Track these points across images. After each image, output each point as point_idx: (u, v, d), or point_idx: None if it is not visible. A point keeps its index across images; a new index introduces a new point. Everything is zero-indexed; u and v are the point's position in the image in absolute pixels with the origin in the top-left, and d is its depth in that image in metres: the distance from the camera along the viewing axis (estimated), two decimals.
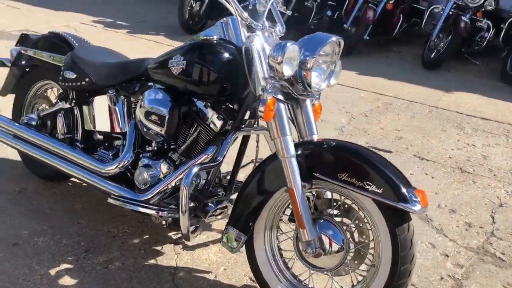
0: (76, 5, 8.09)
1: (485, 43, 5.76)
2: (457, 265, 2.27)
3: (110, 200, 2.00)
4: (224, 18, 1.95)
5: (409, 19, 6.58)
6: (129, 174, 2.14)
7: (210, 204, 2.04)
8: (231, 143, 1.90)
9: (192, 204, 1.94)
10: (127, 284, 1.99)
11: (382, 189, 1.62)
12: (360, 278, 1.82)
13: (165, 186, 1.95)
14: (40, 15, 7.30)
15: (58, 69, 2.32)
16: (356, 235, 1.80)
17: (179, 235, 2.24)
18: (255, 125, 1.99)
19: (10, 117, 2.68)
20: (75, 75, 2.22)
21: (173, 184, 1.97)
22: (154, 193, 1.96)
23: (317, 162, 1.76)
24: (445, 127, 4.00)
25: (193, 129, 1.99)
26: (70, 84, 2.25)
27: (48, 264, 2.08)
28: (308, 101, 1.90)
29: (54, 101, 2.57)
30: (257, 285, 1.96)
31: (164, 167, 2.01)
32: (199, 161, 1.88)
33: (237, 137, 1.92)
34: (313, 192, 1.86)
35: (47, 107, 2.56)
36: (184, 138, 2.03)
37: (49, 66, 2.46)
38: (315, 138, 1.88)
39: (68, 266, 2.08)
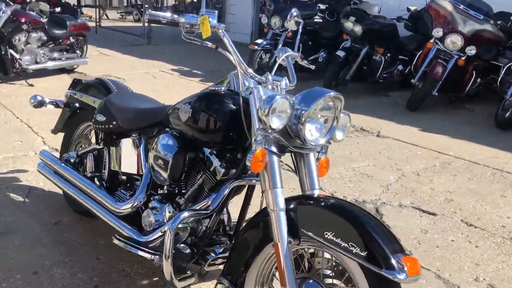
0: (160, 55, 8.73)
1: None
2: None
3: (114, 241, 2.07)
4: (235, 71, 2.01)
5: (485, 76, 6.27)
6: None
7: (211, 252, 2.04)
8: (228, 193, 1.90)
9: (188, 251, 1.96)
10: None
11: (366, 253, 1.53)
12: None
13: (165, 230, 1.99)
14: (126, 62, 7.95)
15: None
16: None
17: (189, 282, 2.24)
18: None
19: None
20: (105, 118, 2.39)
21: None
22: (156, 236, 2.00)
23: (306, 218, 1.71)
24: (506, 192, 3.68)
25: (199, 175, 2.03)
26: (100, 126, 2.42)
27: None
28: (311, 155, 1.87)
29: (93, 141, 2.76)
30: None
31: (168, 211, 2.06)
32: (197, 208, 1.90)
33: (234, 186, 1.92)
34: (306, 249, 1.79)
35: (86, 146, 2.76)
36: (191, 183, 2.07)
37: (92, 109, 2.67)
38: (317, 193, 1.83)
39: None
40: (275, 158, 1.74)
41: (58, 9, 8.02)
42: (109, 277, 2.33)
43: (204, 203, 1.93)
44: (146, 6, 11.11)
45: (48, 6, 7.21)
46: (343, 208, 1.69)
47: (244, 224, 1.90)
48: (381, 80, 6.79)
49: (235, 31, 10.93)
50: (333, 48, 6.98)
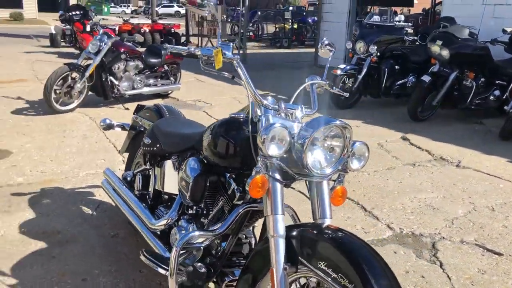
0: (256, 82, 9.03)
1: None
2: None
3: (141, 257, 2.21)
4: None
5: None
6: None
7: (229, 273, 2.11)
8: (239, 216, 1.95)
9: (204, 270, 2.04)
10: None
11: (353, 285, 1.50)
12: None
13: None
14: (217, 88, 8.37)
15: None
16: None
17: None
18: None
19: None
20: (150, 141, 2.59)
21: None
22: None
23: (305, 247, 1.70)
24: None
25: (220, 198, 2.12)
26: (146, 148, 2.63)
27: None
28: (325, 183, 1.86)
29: None
30: None
31: (191, 228, 2.17)
32: (207, 229, 1.99)
33: (248, 210, 1.97)
34: (310, 279, 1.78)
35: (140, 166, 3.00)
36: (213, 206, 2.17)
37: None
38: (327, 222, 1.83)
39: None
40: (278, 185, 1.77)
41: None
42: None
43: (218, 225, 2.01)
44: (243, 35, 11.62)
45: (143, 38, 7.85)
46: (341, 240, 1.66)
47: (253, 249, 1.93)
48: (473, 107, 6.36)
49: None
50: (423, 73, 6.72)
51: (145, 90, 6.79)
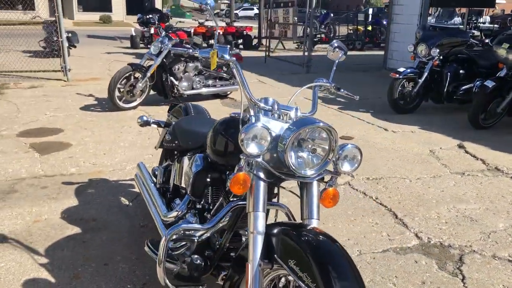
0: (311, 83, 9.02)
1: None
2: None
3: (145, 248, 2.34)
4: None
5: None
6: None
7: (226, 268, 2.17)
8: (228, 212, 2.01)
9: (199, 262, 2.12)
10: None
11: (315, 285, 1.51)
12: None
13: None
14: (276, 90, 8.45)
15: None
16: None
17: None
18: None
19: None
20: (170, 138, 2.73)
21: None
22: (176, 246, 2.22)
23: (281, 245, 1.73)
24: None
25: (220, 195, 2.20)
26: (166, 144, 2.77)
27: (113, 285, 2.56)
28: (314, 184, 1.88)
29: None
30: None
31: (194, 221, 2.26)
32: (196, 223, 2.07)
33: (239, 207, 2.02)
34: (288, 277, 1.80)
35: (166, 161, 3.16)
36: (214, 202, 2.25)
37: None
38: (314, 222, 1.85)
39: None
40: (261, 183, 1.81)
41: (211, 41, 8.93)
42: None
43: (218, 219, 2.08)
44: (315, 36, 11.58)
45: (202, 39, 8.11)
46: (313, 242, 1.68)
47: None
48: None
49: (397, 59, 10.68)
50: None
51: (204, 90, 7.03)
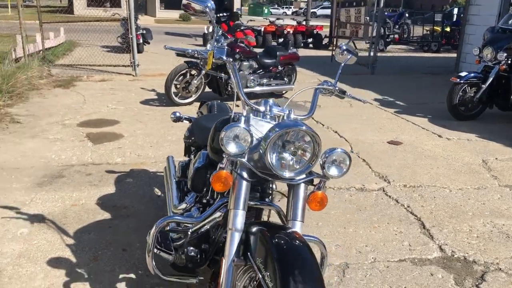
0: (372, 85, 8.88)
1: None
2: None
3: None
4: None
5: None
6: None
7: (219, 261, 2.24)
8: (216, 209, 2.05)
9: (194, 254, 2.21)
10: None
11: (272, 284, 1.54)
12: None
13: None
14: None
15: None
16: None
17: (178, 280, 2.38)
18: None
19: None
20: (188, 134, 2.85)
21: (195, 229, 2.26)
22: (175, 237, 2.32)
23: (255, 243, 1.77)
24: None
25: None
26: (185, 140, 2.89)
27: (125, 270, 2.72)
28: (301, 187, 1.90)
29: None
30: None
31: (195, 215, 2.35)
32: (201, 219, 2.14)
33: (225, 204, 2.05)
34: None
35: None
36: (214, 197, 2.32)
37: None
38: (297, 225, 1.87)
39: (132, 276, 2.66)
40: (244, 182, 1.86)
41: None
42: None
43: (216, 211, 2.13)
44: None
45: (255, 39, 8.18)
46: (285, 245, 1.69)
47: None
48: None
49: (470, 62, 10.10)
50: None
51: (258, 89, 7.13)
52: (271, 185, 2.10)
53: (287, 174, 1.81)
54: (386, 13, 16.54)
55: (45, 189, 3.76)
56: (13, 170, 4.13)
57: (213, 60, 2.06)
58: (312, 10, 29.86)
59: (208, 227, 2.22)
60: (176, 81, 6.56)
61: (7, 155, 4.51)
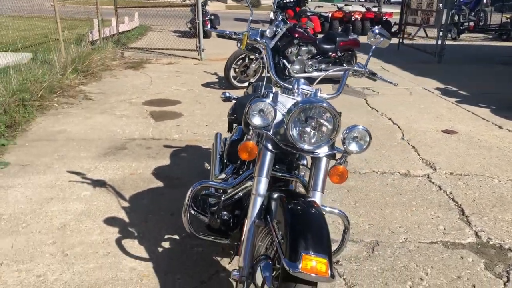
0: (437, 74, 8.66)
1: None
2: None
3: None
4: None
5: None
6: None
7: None
8: (245, 178, 2.24)
9: (226, 218, 2.42)
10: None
11: (283, 241, 1.72)
12: None
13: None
14: (396, 78, 8.23)
15: None
16: None
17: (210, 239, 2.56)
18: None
19: None
20: (231, 112, 3.06)
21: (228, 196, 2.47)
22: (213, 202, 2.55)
23: (274, 208, 1.95)
24: None
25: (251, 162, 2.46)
26: (229, 117, 3.11)
27: (171, 232, 3.00)
28: (323, 160, 2.05)
29: None
30: None
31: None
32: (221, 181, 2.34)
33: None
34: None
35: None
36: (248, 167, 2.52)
37: None
38: (317, 195, 2.02)
39: (176, 237, 2.94)
40: (268, 153, 2.03)
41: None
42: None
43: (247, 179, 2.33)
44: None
45: (314, 24, 8.19)
46: (300, 210, 1.84)
47: None
48: None
49: None
50: None
51: (315, 74, 7.12)
52: (298, 160, 2.26)
53: (306, 146, 1.97)
54: (460, 0, 15.79)
55: (108, 158, 4.16)
56: (82, 141, 4.58)
57: (248, 41, 2.24)
58: None
59: (241, 195, 2.43)
60: (235, 65, 6.81)
61: (78, 127, 4.98)
